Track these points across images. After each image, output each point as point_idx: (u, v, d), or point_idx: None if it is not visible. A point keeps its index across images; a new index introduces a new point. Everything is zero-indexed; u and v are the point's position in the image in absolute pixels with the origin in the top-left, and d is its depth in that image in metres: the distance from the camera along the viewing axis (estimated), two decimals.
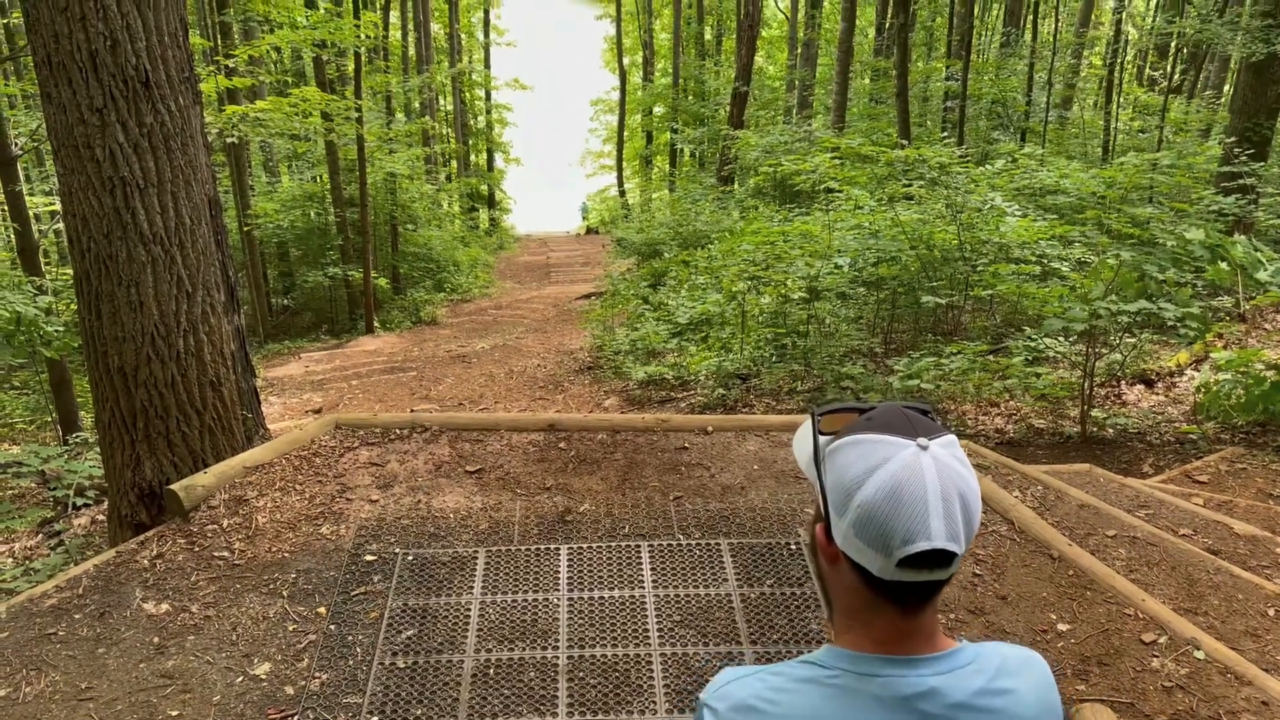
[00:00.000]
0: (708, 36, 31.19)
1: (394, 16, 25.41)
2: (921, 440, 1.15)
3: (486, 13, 32.93)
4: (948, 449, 1.16)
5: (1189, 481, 5.90)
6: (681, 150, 29.96)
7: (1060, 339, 7.36)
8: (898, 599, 1.17)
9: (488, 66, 33.19)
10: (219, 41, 14.20)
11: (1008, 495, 4.42)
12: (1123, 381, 7.79)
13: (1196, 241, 7.06)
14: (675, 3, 29.27)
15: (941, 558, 1.12)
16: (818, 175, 10.43)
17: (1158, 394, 7.62)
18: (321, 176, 19.29)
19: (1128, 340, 7.74)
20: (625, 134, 33.50)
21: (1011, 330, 8.31)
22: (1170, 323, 6.18)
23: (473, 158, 33.24)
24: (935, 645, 1.21)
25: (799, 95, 24.56)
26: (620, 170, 33.13)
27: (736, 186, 21.26)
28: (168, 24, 4.37)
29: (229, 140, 12.66)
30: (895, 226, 9.18)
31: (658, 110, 33.00)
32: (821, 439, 1.22)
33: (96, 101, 4.16)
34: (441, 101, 30.55)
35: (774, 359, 9.07)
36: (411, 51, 26.25)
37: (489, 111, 33.53)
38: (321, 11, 16.02)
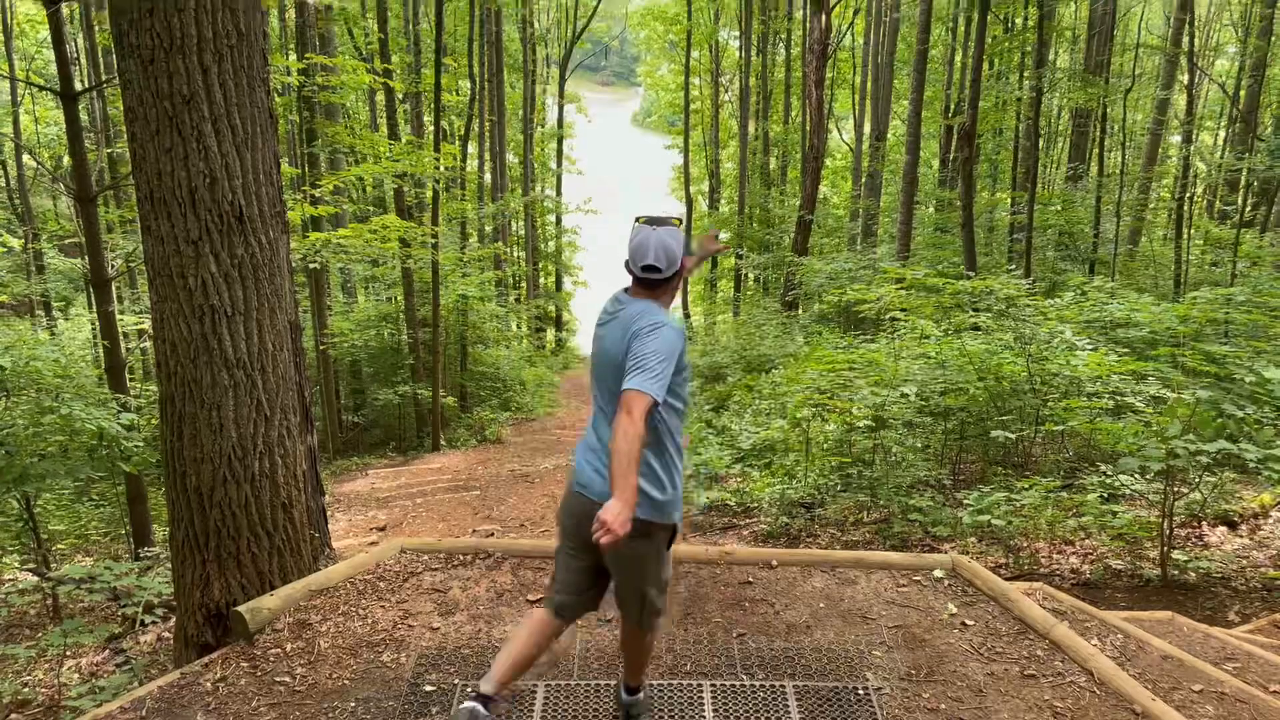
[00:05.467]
0: (773, 166, 31.89)
1: (471, 147, 26.52)
2: (652, 226, 3.20)
3: (560, 142, 34.24)
4: (664, 230, 3.21)
5: (1279, 632, 5.61)
6: (746, 275, 30.30)
7: (1136, 476, 7.16)
8: (642, 284, 3.24)
9: (558, 193, 34.32)
10: (306, 170, 14.92)
11: (1085, 644, 4.24)
12: (1204, 522, 7.51)
13: (1275, 380, 6.88)
14: (741, 135, 30.11)
15: (653, 269, 3.18)
16: (883, 304, 10.46)
17: (1241, 536, 7.32)
18: (396, 298, 19.87)
19: (1208, 479, 7.49)
20: None
21: (1085, 465, 8.11)
22: (1252, 464, 5.98)
23: (542, 279, 34.03)
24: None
25: (863, 224, 24.83)
26: (685, 293, 33.61)
27: (801, 312, 21.35)
28: (263, 162, 4.62)
29: (311, 266, 13.18)
30: (962, 357, 9.11)
31: (723, 236, 33.62)
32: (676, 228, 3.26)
33: (193, 234, 4.39)
34: (514, 225, 31.49)
35: (839, 488, 8.94)
36: (487, 178, 27.28)
37: (559, 235, 34.48)
38: (404, 143, 16.76)
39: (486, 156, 27.10)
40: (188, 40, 4.23)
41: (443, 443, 17.05)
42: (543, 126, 36.08)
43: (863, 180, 26.30)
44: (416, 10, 20.23)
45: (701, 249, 3.94)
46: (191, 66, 4.26)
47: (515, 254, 31.19)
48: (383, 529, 10.45)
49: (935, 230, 22.19)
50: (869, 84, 27.23)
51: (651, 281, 3.21)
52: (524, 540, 5.57)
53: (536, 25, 32.81)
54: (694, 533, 8.99)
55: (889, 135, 26.63)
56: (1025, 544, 7.31)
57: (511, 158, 32.54)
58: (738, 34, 32.42)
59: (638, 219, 3.25)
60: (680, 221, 3.31)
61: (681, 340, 3.13)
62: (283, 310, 4.88)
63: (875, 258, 19.61)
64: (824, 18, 19.48)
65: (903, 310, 10.30)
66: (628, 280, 3.33)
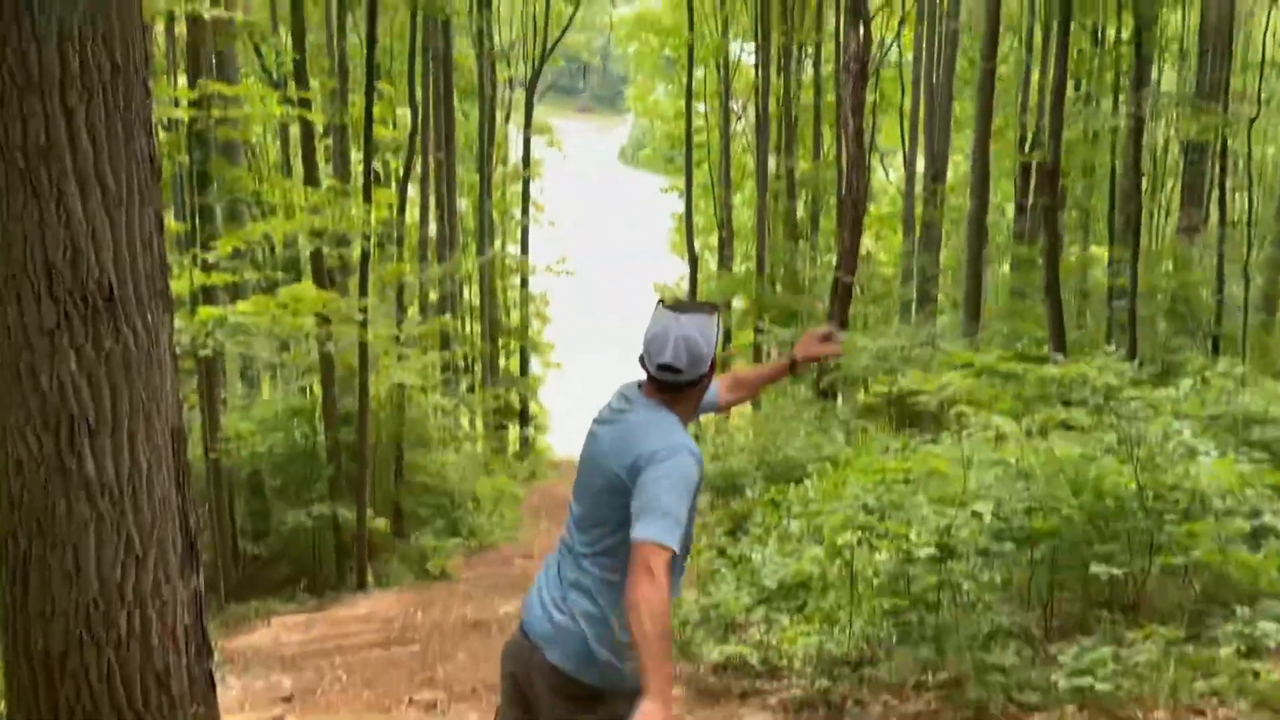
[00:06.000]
0: (800, 214, 32.28)
1: (412, 192, 26.85)
2: (678, 314, 3.22)
3: (526, 185, 34.49)
4: (692, 319, 3.23)
5: None
6: (768, 354, 30.47)
7: None
8: (656, 385, 3.31)
9: (524, 250, 34.56)
10: (197, 227, 15.09)
11: None
12: None
13: None
14: (760, 174, 30.55)
15: (671, 369, 3.22)
16: (946, 394, 10.48)
17: None
18: (312, 388, 19.91)
19: None
20: None
21: (1215, 609, 8.06)
22: None
23: (503, 361, 34.18)
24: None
25: (919, 286, 25.09)
26: None
27: (840, 402, 21.43)
28: (141, 226, 4.68)
29: (201, 352, 13.26)
30: (1051, 465, 9.12)
31: (737, 303, 33.85)
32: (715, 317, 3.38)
33: (48, 322, 4.42)
34: (466, 292, 31.75)
35: (895, 639, 8.86)
36: (432, 232, 27.56)
37: (525, 305, 34.67)
38: (325, 189, 16.95)
39: (431, 204, 27.44)
40: (47, 75, 4.31)
41: (370, 580, 16.92)
42: (504, 165, 36.61)
43: (917, 232, 26.65)
44: (343, 23, 20.65)
45: (805, 351, 4.04)
46: (52, 109, 4.33)
47: (468, 329, 31.39)
48: (289, 700, 10.31)
49: (1011, 295, 22.43)
50: (921, 110, 27.79)
51: (668, 384, 3.32)
52: (476, 716, 5.50)
53: (497, 38, 33.51)
54: (701, 702, 8.87)
55: (949, 174, 27.08)
56: (1141, 714, 7.24)
57: (463, 205, 32.95)
58: (753, 48, 33.14)
59: (660, 301, 3.36)
60: (715, 309, 3.42)
61: (699, 471, 3.24)
62: (162, 415, 4.89)
63: (935, 332, 19.78)
64: (862, 28, 19.95)
65: (972, 403, 10.33)
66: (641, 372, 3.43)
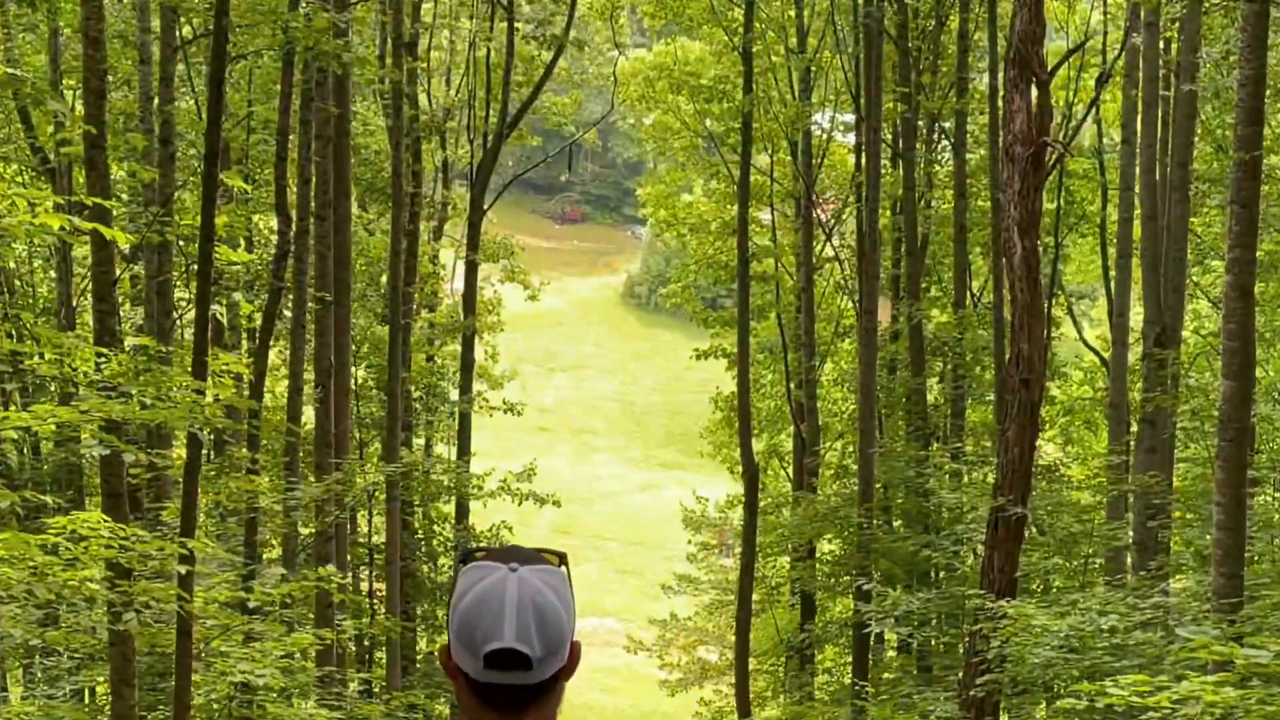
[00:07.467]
0: (933, 397, 32.14)
1: (276, 353, 26.83)
2: (513, 565, 2.78)
3: (468, 345, 34.59)
4: (537, 573, 2.79)
5: None
6: (881, 635, 30.27)
7: None
8: (491, 701, 2.77)
9: (463, 454, 34.14)
10: None
11: None
12: None
13: None
14: (864, 331, 30.06)
15: (517, 658, 2.66)
16: (1190, 715, 10.81)
17: None
18: (96, 690, 19.93)
19: None
20: (753, 594, 33.77)
21: None
22: None
23: (423, 645, 33.89)
24: None
25: (1137, 527, 25.24)
26: (744, 678, 33.42)
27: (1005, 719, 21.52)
28: None
29: None
30: None
31: (827, 546, 33.52)
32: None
33: None
34: (365, 526, 31.62)
35: None
36: (310, 420, 27.48)
37: (462, 546, 34.69)
38: (128, 352, 17.25)
39: (307, 374, 27.57)
40: None
41: None
42: (431, 309, 36.49)
43: (1132, 430, 26.85)
44: (170, 74, 20.62)
45: None
46: None
47: (366, 588, 31.21)
48: None
49: None
50: (1137, 227, 27.98)
51: (520, 693, 2.91)
52: None
53: (425, 100, 34.10)
54: None
55: (1184, 335, 27.31)
56: None
57: (362, 376, 32.93)
58: (851, 120, 33.65)
59: (466, 557, 3.04)
60: (563, 559, 3.09)
61: None
62: None
63: (1167, 604, 19.93)
64: (1036, 93, 20.19)
65: None
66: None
